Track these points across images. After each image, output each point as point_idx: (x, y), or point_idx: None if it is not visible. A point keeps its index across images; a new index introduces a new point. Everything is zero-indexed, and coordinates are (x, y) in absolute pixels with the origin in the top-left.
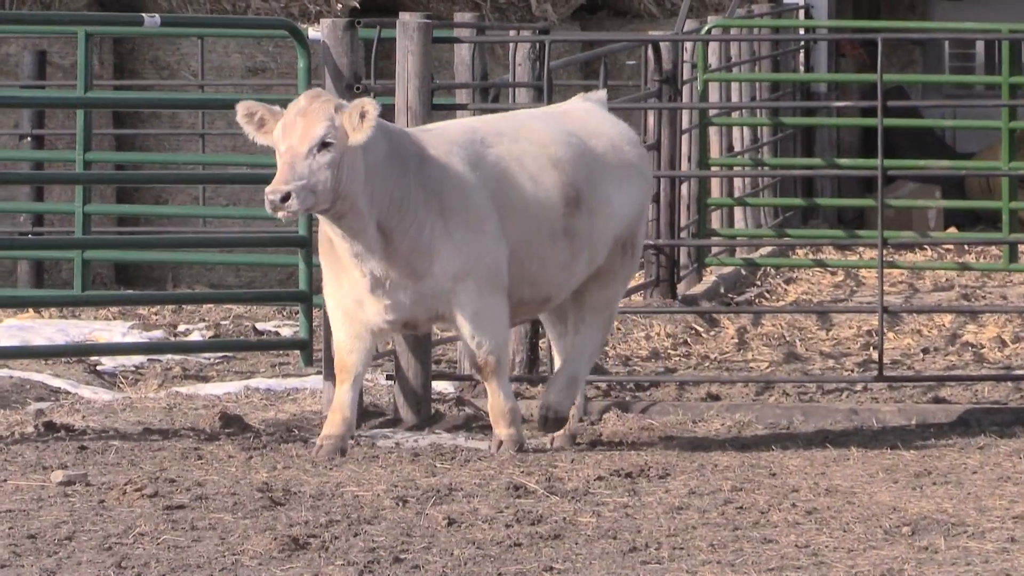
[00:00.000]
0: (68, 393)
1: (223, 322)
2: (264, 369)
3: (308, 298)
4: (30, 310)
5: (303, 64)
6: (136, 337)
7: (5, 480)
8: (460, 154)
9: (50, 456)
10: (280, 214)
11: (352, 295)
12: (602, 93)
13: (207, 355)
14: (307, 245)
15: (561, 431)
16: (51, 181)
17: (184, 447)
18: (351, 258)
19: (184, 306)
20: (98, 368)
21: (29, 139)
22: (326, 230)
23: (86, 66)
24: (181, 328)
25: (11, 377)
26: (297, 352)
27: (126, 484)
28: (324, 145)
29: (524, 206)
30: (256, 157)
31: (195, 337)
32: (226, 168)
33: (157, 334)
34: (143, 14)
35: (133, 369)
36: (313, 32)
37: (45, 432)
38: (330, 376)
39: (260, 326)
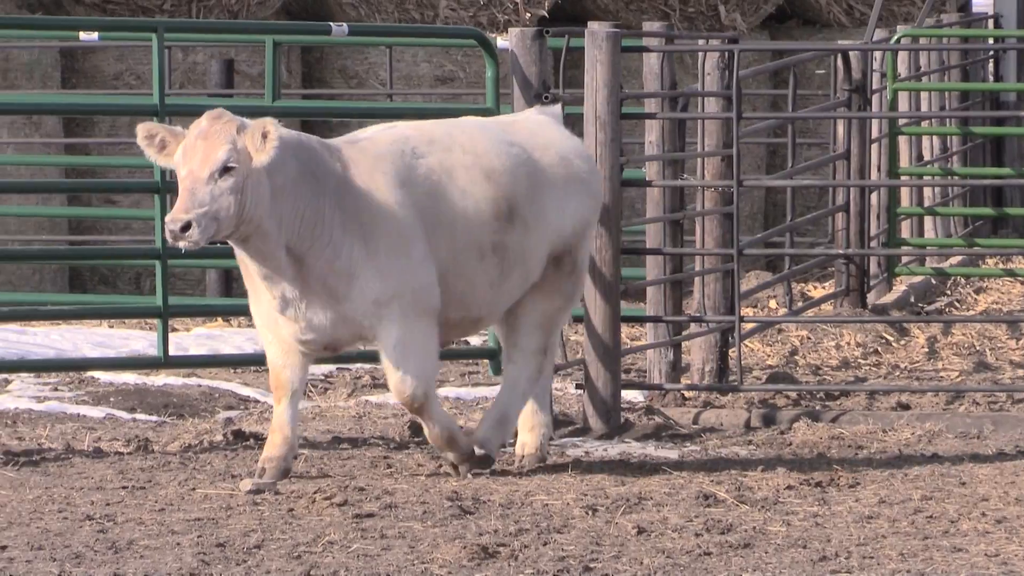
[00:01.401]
0: (257, 402)
1: None
2: (453, 378)
3: None
4: (219, 319)
5: (491, 73)
6: None
7: (194, 489)
8: (387, 170)
9: (239, 465)
10: (181, 244)
11: (271, 313)
12: (557, 108)
13: None
14: None
15: (534, 451)
16: None
17: (373, 456)
18: (261, 280)
19: None
20: None
21: None
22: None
23: (274, 75)
24: None
25: (200, 386)
26: (486, 361)
27: (315, 492)
28: (226, 170)
29: (452, 221)
30: None
31: None
32: None
33: None
34: (331, 23)
35: (322, 378)
36: (501, 41)
37: (234, 441)
38: None
39: None
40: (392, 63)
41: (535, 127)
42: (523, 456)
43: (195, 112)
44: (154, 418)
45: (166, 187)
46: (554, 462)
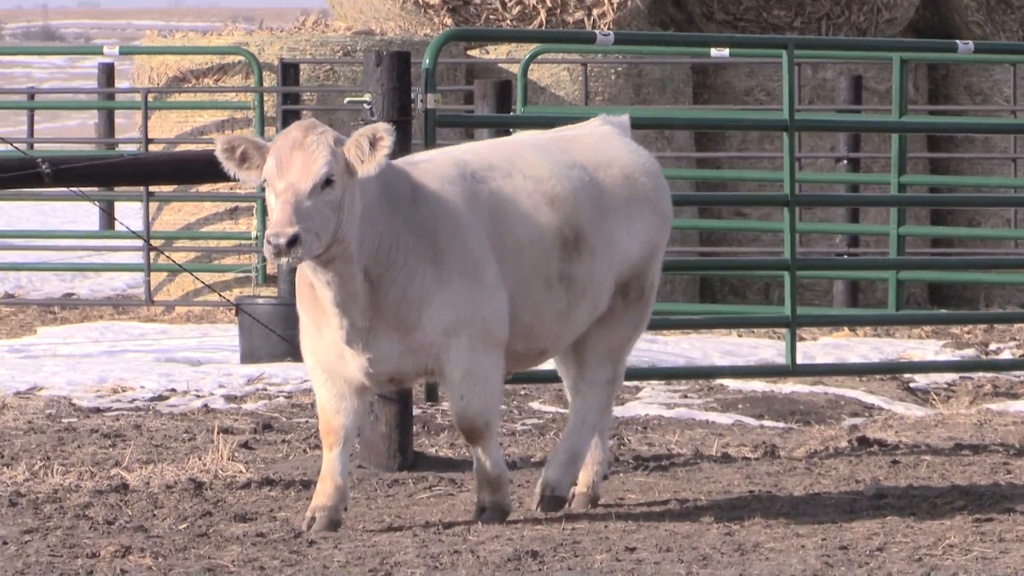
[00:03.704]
0: (881, 409)
1: None
2: None
3: None
4: (845, 328)
5: None
6: (948, 355)
7: (818, 492)
8: (454, 191)
9: (862, 470)
10: (283, 260)
11: (334, 348)
12: (625, 117)
13: (1017, 373)
14: None
15: (585, 490)
16: (866, 203)
17: (994, 462)
18: (333, 307)
19: (996, 325)
20: (911, 385)
21: (845, 162)
22: (307, 276)
23: (901, 91)
24: (992, 346)
25: (826, 393)
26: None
27: (936, 497)
28: (328, 183)
29: (517, 250)
30: None
31: (1006, 355)
32: None
33: (969, 352)
34: (957, 40)
35: (945, 386)
36: None
37: (858, 447)
38: None
39: None
40: (1016, 80)
41: (596, 142)
42: (572, 495)
43: (823, 127)
44: (781, 424)
45: (795, 200)
46: None
